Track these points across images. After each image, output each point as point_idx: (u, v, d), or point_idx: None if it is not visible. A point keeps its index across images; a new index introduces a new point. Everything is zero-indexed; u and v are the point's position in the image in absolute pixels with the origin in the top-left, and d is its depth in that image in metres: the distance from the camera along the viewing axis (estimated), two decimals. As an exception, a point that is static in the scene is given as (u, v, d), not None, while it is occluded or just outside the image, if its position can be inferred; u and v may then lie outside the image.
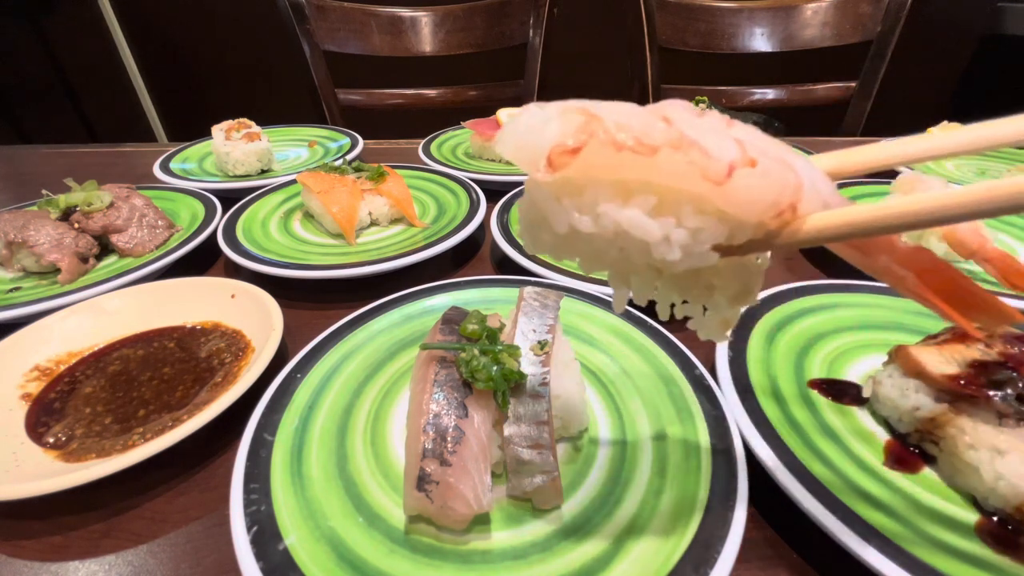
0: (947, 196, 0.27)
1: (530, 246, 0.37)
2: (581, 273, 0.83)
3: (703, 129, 0.30)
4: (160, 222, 1.00)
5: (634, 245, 0.32)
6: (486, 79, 2.15)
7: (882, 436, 0.57)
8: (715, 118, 0.32)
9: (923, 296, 0.34)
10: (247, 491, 0.49)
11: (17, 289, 0.86)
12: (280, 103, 2.53)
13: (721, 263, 0.34)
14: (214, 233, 0.99)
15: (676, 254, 0.31)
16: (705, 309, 0.39)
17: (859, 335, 0.72)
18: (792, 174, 0.31)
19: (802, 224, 0.31)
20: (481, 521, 0.49)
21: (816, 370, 0.66)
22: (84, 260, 0.91)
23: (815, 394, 0.62)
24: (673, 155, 0.29)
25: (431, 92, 2.13)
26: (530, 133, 0.30)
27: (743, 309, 0.41)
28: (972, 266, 0.88)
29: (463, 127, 1.51)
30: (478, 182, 1.19)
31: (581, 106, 0.30)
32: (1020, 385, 0.51)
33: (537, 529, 0.48)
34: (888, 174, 1.26)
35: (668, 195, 0.31)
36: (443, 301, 0.76)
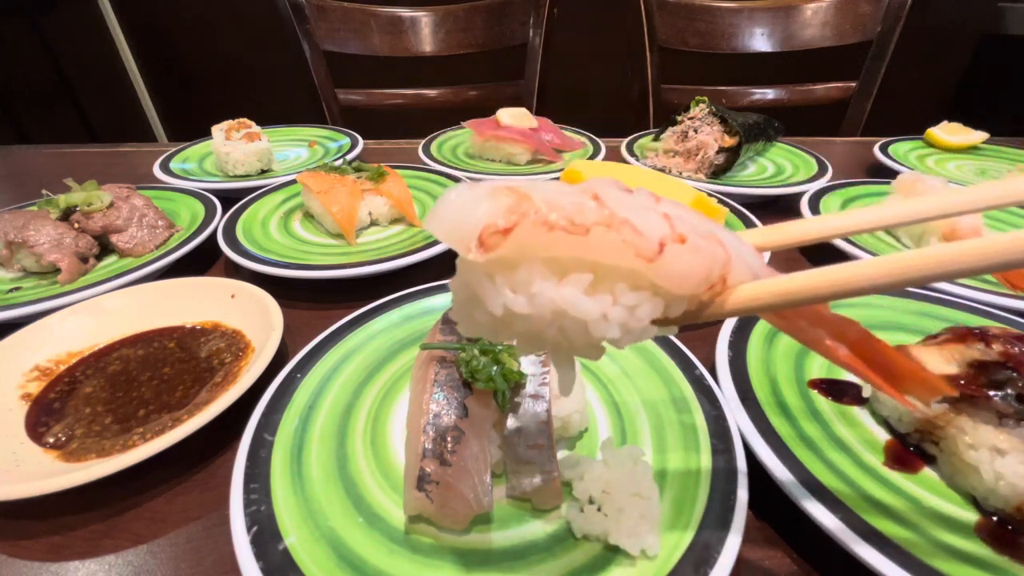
0: (870, 264, 0.28)
1: (465, 328, 0.36)
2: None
3: (633, 207, 0.31)
4: (160, 222, 1.00)
5: (572, 324, 0.31)
6: (486, 79, 2.15)
7: (882, 436, 0.57)
8: (643, 195, 0.33)
9: (854, 368, 0.35)
10: (247, 491, 0.49)
11: (17, 289, 0.86)
12: (280, 103, 2.53)
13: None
14: (214, 233, 0.99)
15: (615, 332, 0.31)
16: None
17: (859, 335, 0.71)
18: (721, 249, 0.32)
19: (731, 295, 0.32)
20: (481, 521, 0.49)
21: (816, 370, 0.66)
22: (84, 260, 0.91)
23: (815, 394, 0.62)
24: (606, 234, 0.29)
25: (431, 92, 2.13)
26: (460, 213, 0.30)
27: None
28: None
29: (463, 127, 1.51)
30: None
31: (510, 186, 0.30)
32: (1020, 385, 0.51)
33: (537, 529, 0.48)
34: (889, 173, 1.26)
35: (602, 272, 0.31)
36: (443, 301, 0.76)
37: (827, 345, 0.36)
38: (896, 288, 0.28)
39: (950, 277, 0.27)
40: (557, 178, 1.14)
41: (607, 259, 0.30)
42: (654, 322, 0.32)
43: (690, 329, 0.79)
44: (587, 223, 0.29)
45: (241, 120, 1.38)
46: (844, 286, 0.29)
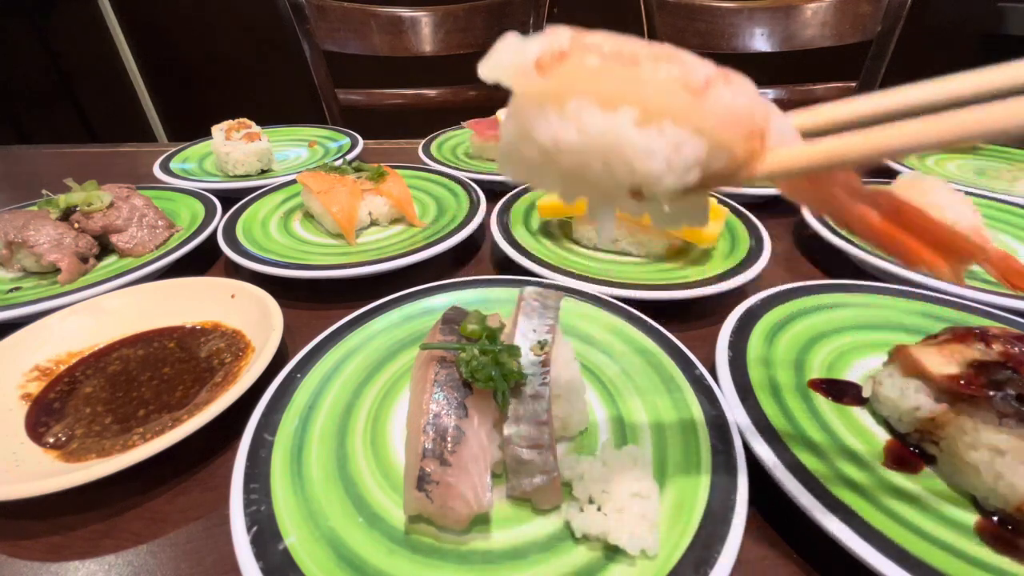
0: (908, 126, 0.29)
1: (511, 170, 0.37)
2: (582, 273, 0.83)
3: (683, 53, 0.33)
4: (160, 222, 1.00)
5: (617, 160, 0.32)
6: (486, 79, 2.15)
7: (882, 436, 0.57)
8: (690, 53, 0.35)
9: (889, 235, 0.35)
10: (247, 491, 0.49)
11: (17, 289, 0.86)
12: (280, 103, 2.53)
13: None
14: (214, 233, 0.99)
15: (660, 164, 0.31)
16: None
17: (859, 335, 0.72)
18: (761, 101, 0.33)
19: (768, 156, 0.33)
20: (481, 521, 0.49)
21: (816, 370, 0.66)
22: (84, 260, 0.91)
23: (815, 394, 0.62)
24: (655, 65, 0.31)
25: (431, 92, 2.13)
26: (518, 47, 0.32)
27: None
28: (972, 266, 0.88)
29: (463, 127, 1.51)
30: (478, 182, 1.19)
31: (566, 28, 0.33)
32: (1020, 385, 0.51)
33: (537, 529, 0.48)
34: (888, 174, 1.26)
35: (650, 108, 0.31)
36: (443, 301, 0.76)
37: (860, 211, 0.35)
38: (934, 148, 0.30)
39: (989, 136, 0.28)
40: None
41: (655, 93, 0.31)
42: (694, 184, 0.33)
43: (691, 328, 0.79)
44: (638, 55, 0.31)
45: (241, 120, 1.38)
46: (882, 146, 0.30)
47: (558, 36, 0.32)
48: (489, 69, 0.32)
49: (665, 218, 0.40)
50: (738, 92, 0.32)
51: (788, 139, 0.34)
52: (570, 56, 0.31)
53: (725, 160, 0.33)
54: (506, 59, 0.32)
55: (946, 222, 0.35)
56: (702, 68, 0.31)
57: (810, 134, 0.35)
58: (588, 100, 0.31)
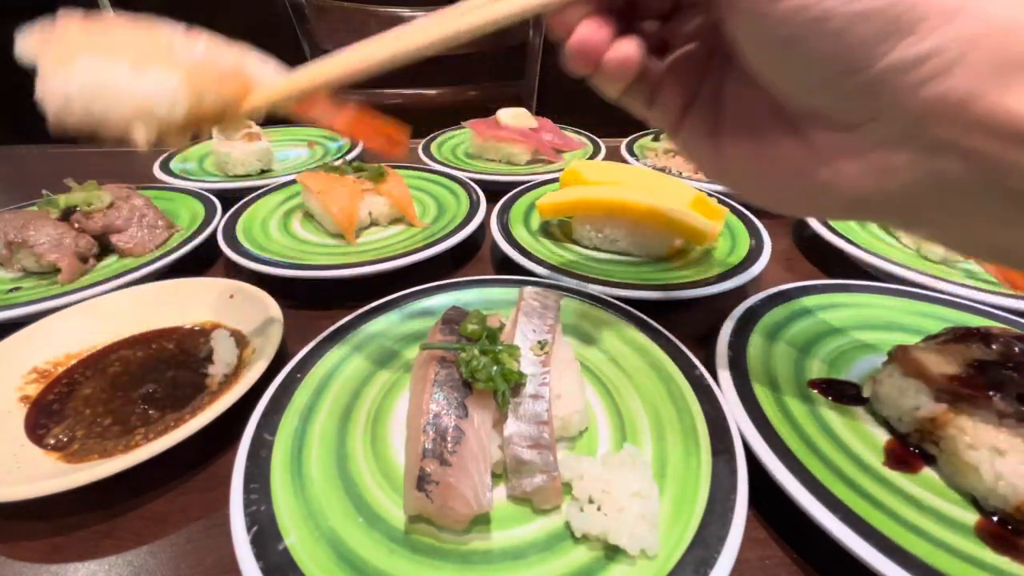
0: (366, 46, 0.44)
1: (62, 125, 0.43)
2: (582, 273, 0.83)
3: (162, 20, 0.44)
4: (160, 222, 1.00)
5: (114, 96, 0.41)
6: (486, 79, 2.15)
7: (882, 436, 0.57)
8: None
9: (349, 129, 0.56)
10: (247, 491, 0.49)
11: (17, 289, 0.86)
12: (280, 103, 2.53)
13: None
14: (214, 233, 0.99)
15: (150, 97, 0.41)
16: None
17: (859, 335, 0.72)
18: (232, 52, 0.45)
19: (256, 93, 0.45)
20: (481, 521, 0.49)
21: (816, 370, 0.66)
22: (84, 260, 0.91)
23: (815, 394, 0.62)
24: (145, 30, 0.43)
25: (431, 92, 2.13)
26: (32, 33, 0.43)
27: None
28: (972, 266, 0.88)
29: (463, 127, 1.51)
30: (478, 182, 1.19)
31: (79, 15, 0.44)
32: (1020, 385, 0.51)
33: (537, 529, 0.48)
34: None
35: (138, 57, 0.42)
36: (443, 301, 0.76)
37: (328, 120, 0.54)
38: (402, 60, 0.44)
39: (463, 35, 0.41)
40: (557, 178, 1.14)
41: (141, 47, 0.42)
42: (187, 117, 0.43)
43: (691, 328, 0.79)
44: (131, 24, 0.43)
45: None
46: (350, 67, 0.44)
47: (68, 18, 0.42)
48: (21, 54, 0.42)
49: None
50: (211, 48, 0.44)
51: (271, 80, 0.45)
52: (74, 29, 0.41)
53: (214, 99, 0.43)
54: (26, 43, 0.42)
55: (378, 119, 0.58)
56: (175, 30, 0.44)
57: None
58: (90, 56, 0.41)
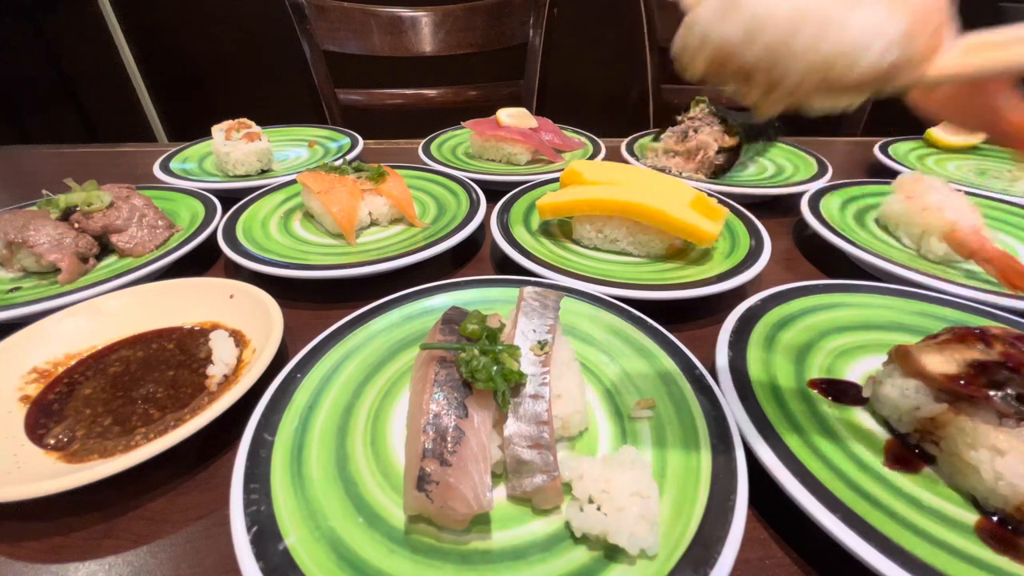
0: None
1: (695, 55, 0.35)
2: (582, 273, 0.83)
3: None
4: (160, 222, 1.00)
5: (824, 31, 0.32)
6: (486, 79, 2.15)
7: (882, 436, 0.57)
8: None
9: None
10: (247, 491, 0.49)
11: (17, 289, 0.86)
12: (280, 103, 2.53)
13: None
14: (214, 233, 0.99)
15: (866, 37, 0.32)
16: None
17: (859, 335, 0.72)
18: (946, 2, 0.34)
19: (940, 58, 0.34)
20: (481, 521, 0.49)
21: (816, 370, 0.66)
22: (84, 260, 0.91)
23: (815, 394, 0.62)
24: None
25: (431, 92, 2.13)
26: None
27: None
28: (972, 266, 0.88)
29: (463, 127, 1.51)
30: (478, 182, 1.19)
31: None
32: (1020, 385, 0.51)
33: (537, 529, 0.48)
34: (889, 174, 1.26)
35: None
36: (443, 301, 0.76)
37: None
38: None
39: None
40: (557, 178, 1.14)
41: None
42: (882, 72, 0.33)
43: (691, 328, 0.79)
44: None
45: (241, 120, 1.38)
46: None
47: None
48: None
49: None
50: None
51: (956, 45, 0.34)
52: None
53: (908, 51, 0.33)
54: None
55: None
56: None
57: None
58: None
